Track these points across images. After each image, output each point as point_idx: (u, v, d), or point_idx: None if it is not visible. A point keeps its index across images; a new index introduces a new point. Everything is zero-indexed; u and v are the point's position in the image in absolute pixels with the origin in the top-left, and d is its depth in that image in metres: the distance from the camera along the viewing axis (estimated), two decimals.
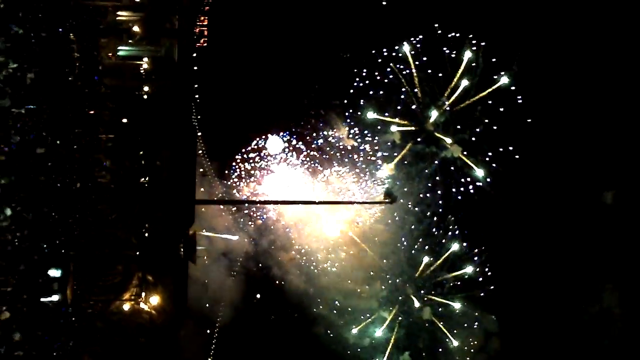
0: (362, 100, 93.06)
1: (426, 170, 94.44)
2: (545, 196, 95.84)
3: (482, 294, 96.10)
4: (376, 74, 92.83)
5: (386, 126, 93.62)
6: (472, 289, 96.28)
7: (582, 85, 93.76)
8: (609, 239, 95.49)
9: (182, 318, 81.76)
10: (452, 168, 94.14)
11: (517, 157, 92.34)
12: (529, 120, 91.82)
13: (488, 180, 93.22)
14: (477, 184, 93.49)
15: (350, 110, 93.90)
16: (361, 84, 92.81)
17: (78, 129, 73.51)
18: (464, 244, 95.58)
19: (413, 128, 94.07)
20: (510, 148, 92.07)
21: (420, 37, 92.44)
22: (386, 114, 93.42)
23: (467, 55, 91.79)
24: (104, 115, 77.77)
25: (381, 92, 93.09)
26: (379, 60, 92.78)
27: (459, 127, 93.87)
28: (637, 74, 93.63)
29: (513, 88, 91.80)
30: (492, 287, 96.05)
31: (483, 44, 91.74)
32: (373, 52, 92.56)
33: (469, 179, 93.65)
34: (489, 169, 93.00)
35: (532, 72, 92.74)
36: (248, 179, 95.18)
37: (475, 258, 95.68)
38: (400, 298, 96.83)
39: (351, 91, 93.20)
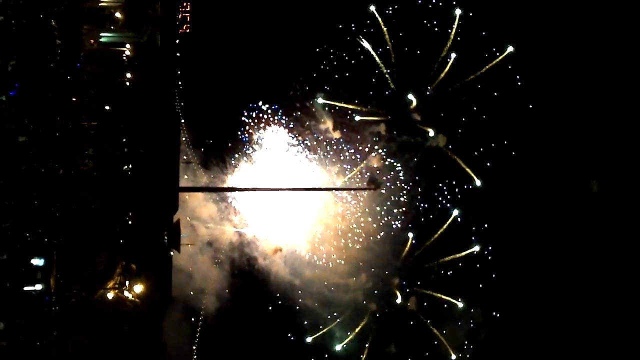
0: (340, 90, 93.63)
1: (413, 160, 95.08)
2: (534, 189, 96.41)
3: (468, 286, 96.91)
4: (348, 57, 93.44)
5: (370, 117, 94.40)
6: (458, 280, 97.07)
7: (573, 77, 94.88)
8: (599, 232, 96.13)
9: (166, 306, 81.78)
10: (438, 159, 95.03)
11: (509, 151, 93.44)
12: (521, 108, 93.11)
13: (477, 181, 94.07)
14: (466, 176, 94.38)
15: (334, 102, 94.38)
16: (339, 71, 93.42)
17: (60, 117, 73.36)
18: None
19: (388, 117, 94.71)
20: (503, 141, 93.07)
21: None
22: (368, 104, 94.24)
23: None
24: (86, 102, 77.64)
25: (358, 78, 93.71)
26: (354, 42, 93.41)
27: (442, 114, 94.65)
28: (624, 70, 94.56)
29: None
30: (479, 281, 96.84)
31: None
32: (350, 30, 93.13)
33: (456, 171, 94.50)
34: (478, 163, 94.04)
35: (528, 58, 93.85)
36: (232, 167, 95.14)
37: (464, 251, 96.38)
38: (386, 290, 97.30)
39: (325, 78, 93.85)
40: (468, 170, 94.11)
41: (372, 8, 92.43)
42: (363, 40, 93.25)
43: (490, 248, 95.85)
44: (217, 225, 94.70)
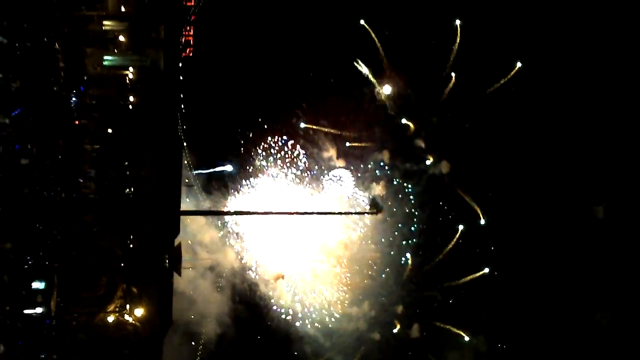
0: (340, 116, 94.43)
1: (416, 187, 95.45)
2: (537, 210, 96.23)
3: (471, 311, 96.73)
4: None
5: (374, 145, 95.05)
6: (461, 306, 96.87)
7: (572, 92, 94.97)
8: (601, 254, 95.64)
9: (167, 330, 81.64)
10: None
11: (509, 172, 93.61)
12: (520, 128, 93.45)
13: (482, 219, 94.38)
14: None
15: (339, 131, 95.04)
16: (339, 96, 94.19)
17: (63, 140, 73.91)
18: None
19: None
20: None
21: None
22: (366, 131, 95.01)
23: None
24: (89, 125, 78.14)
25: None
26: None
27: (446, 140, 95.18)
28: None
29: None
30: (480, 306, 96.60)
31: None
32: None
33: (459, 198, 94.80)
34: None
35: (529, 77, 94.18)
36: (234, 192, 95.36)
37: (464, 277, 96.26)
38: (388, 318, 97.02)
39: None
40: (474, 205, 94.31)
41: (362, 22, 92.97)
42: (361, 64, 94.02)
43: (495, 273, 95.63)
44: (219, 250, 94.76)
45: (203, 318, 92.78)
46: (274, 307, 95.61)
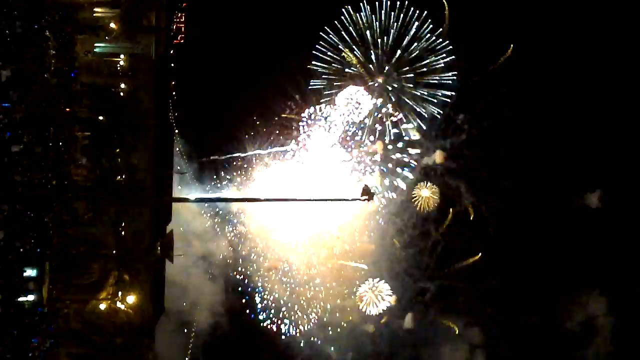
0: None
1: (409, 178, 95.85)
2: (528, 199, 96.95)
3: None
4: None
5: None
6: (454, 297, 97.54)
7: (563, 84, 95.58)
8: (594, 243, 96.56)
9: (159, 317, 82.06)
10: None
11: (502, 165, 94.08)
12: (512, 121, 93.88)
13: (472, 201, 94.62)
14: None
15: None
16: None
17: (54, 127, 73.82)
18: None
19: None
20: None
21: None
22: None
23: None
24: (80, 112, 78.04)
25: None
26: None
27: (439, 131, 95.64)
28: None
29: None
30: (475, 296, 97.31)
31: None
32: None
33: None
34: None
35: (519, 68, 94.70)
36: (227, 180, 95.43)
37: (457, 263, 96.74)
38: (382, 310, 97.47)
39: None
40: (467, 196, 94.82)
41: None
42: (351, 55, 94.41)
43: (487, 262, 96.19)
44: (212, 239, 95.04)
45: (195, 307, 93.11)
46: (267, 298, 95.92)
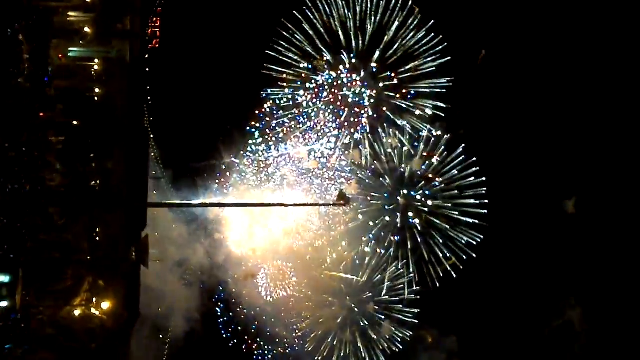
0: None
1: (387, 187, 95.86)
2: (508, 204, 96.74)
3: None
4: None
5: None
6: (430, 304, 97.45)
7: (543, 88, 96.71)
8: (570, 250, 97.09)
9: (134, 322, 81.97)
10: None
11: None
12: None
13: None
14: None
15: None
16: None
17: (27, 132, 73.86)
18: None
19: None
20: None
21: None
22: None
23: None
24: (54, 117, 78.06)
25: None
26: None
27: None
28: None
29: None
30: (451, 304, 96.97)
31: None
32: None
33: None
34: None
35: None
36: (203, 186, 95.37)
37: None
38: (359, 318, 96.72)
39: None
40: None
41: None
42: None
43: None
44: (188, 245, 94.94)
45: (171, 312, 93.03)
46: (244, 306, 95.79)
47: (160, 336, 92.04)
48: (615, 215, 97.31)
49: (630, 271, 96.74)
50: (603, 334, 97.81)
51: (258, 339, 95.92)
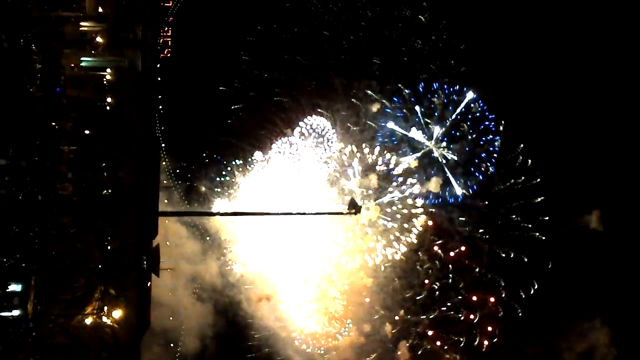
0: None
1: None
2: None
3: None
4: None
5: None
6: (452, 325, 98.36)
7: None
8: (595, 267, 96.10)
9: (144, 331, 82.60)
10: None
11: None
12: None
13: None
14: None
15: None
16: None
17: (40, 141, 74.95)
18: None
19: None
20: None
21: None
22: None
23: None
24: (66, 126, 79.17)
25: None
26: None
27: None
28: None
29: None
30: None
31: None
32: None
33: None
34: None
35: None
36: (215, 197, 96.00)
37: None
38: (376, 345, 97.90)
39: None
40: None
41: None
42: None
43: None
44: (201, 262, 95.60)
45: (181, 327, 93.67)
46: (256, 328, 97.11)
47: (170, 348, 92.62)
48: None
49: None
50: None
51: None
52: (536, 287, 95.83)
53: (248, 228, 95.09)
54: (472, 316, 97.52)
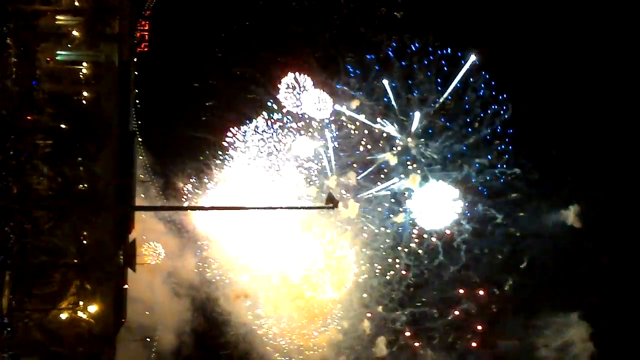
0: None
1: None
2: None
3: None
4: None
5: None
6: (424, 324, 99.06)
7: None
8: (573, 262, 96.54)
9: (120, 326, 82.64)
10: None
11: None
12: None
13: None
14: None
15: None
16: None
17: (15, 135, 74.72)
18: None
19: None
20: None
21: None
22: None
23: None
24: (42, 120, 78.87)
25: None
26: None
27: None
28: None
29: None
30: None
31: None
32: None
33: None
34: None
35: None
36: (192, 191, 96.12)
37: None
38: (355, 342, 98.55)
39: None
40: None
41: None
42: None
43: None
44: (178, 257, 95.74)
45: (158, 324, 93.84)
46: (233, 325, 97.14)
47: (147, 342, 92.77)
48: None
49: None
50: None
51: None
52: (511, 283, 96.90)
53: (226, 225, 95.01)
54: (448, 312, 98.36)
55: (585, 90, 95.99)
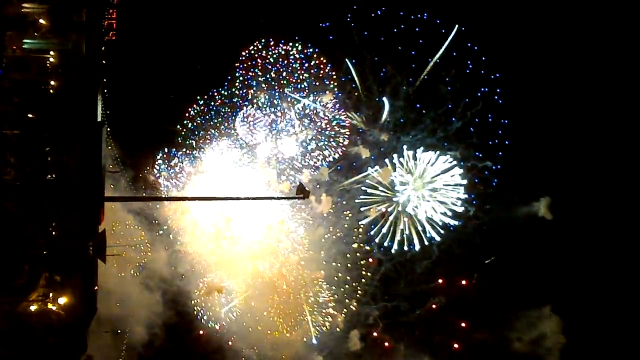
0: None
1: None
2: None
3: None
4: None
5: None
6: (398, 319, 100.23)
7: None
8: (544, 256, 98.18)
9: (91, 318, 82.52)
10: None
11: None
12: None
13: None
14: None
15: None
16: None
17: None
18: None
19: None
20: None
21: None
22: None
23: None
24: (9, 110, 78.43)
25: None
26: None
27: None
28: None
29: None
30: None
31: None
32: None
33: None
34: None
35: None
36: (163, 181, 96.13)
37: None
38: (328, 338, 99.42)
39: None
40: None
41: None
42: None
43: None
44: (149, 250, 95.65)
45: (129, 317, 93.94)
46: (206, 320, 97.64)
47: (118, 335, 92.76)
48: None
49: None
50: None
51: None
52: (483, 276, 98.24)
53: (199, 218, 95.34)
54: (421, 306, 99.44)
55: (556, 82, 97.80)
